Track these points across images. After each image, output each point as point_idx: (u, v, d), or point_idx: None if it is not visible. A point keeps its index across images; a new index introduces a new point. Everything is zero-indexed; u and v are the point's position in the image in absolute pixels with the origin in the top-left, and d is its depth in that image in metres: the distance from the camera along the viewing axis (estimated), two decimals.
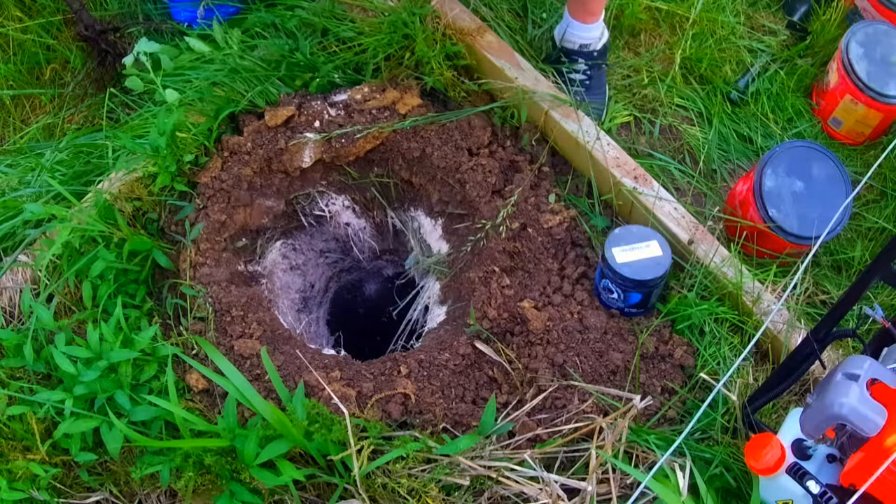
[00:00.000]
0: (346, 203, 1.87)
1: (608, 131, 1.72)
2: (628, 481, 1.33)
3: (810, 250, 1.32)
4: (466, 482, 1.32)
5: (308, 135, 1.66)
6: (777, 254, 1.61)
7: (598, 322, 1.50)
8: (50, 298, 1.52)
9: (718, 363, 1.45)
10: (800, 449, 1.18)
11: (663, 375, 1.46)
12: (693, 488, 1.25)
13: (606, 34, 1.79)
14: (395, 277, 2.06)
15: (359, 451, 1.30)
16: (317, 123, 1.67)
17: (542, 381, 1.43)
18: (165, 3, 2.10)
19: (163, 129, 1.57)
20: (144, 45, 1.70)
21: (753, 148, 1.84)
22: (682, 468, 1.25)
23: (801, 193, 1.57)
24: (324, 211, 1.84)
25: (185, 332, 1.50)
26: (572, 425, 1.36)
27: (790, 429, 1.22)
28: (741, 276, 1.48)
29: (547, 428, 1.38)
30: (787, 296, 1.50)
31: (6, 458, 1.36)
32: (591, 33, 1.73)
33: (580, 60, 1.77)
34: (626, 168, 1.62)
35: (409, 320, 1.88)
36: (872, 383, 1.06)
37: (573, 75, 1.77)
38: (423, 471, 1.33)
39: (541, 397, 1.41)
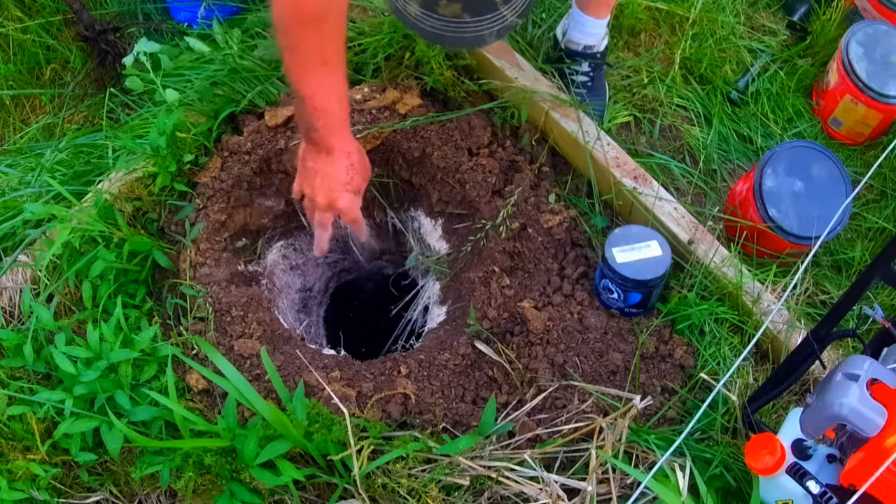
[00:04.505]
0: None
1: (608, 131, 1.72)
2: (628, 481, 1.33)
3: (810, 250, 1.32)
4: (466, 482, 1.32)
5: None
6: (777, 254, 1.61)
7: (598, 322, 1.50)
8: (50, 298, 1.52)
9: (718, 363, 1.45)
10: (800, 449, 1.18)
11: (663, 375, 1.46)
12: (693, 488, 1.25)
13: (608, 35, 1.79)
14: (395, 277, 2.06)
15: (359, 451, 1.30)
16: None
17: (542, 381, 1.43)
18: (165, 3, 2.10)
19: (163, 129, 1.57)
20: (144, 45, 1.70)
21: (753, 148, 1.84)
22: (682, 468, 1.25)
23: (801, 193, 1.57)
24: None
25: (185, 333, 1.50)
26: (572, 425, 1.36)
27: (790, 429, 1.22)
28: (741, 276, 1.48)
29: (547, 428, 1.38)
30: (787, 296, 1.50)
31: (6, 458, 1.36)
32: (598, 30, 1.73)
33: (583, 61, 1.76)
34: (626, 168, 1.62)
35: (409, 320, 1.88)
36: (872, 383, 1.06)
37: (575, 76, 1.77)
38: (423, 471, 1.33)
39: (541, 397, 1.41)
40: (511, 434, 1.39)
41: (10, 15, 2.11)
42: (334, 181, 1.40)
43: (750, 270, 1.52)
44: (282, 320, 1.64)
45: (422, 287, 1.87)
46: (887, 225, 1.72)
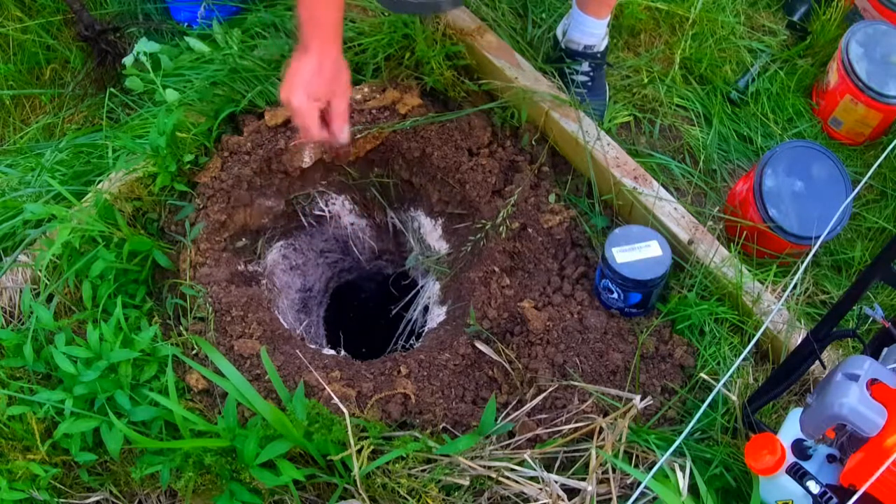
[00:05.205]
0: (347, 203, 1.87)
1: (608, 131, 1.72)
2: (628, 481, 1.33)
3: (810, 250, 1.32)
4: (466, 482, 1.32)
5: None
6: (777, 254, 1.61)
7: (598, 322, 1.50)
8: (50, 298, 1.52)
9: (718, 363, 1.45)
10: (800, 449, 1.18)
11: (663, 375, 1.46)
12: (693, 488, 1.25)
13: (608, 35, 1.79)
14: (395, 277, 2.06)
15: (359, 451, 1.30)
16: None
17: (542, 381, 1.43)
18: (165, 3, 2.10)
19: (163, 129, 1.57)
20: (144, 45, 1.70)
21: (753, 148, 1.84)
22: (682, 468, 1.25)
23: (801, 193, 1.57)
24: (324, 211, 1.85)
25: (185, 332, 1.50)
26: (572, 425, 1.36)
27: (790, 429, 1.22)
28: (741, 276, 1.48)
29: (547, 428, 1.38)
30: (787, 296, 1.50)
31: (6, 458, 1.36)
32: (598, 30, 1.73)
33: (583, 61, 1.76)
34: (626, 168, 1.62)
35: (409, 320, 1.88)
36: (872, 383, 1.06)
37: (575, 76, 1.77)
38: (423, 471, 1.33)
39: (541, 397, 1.41)
40: (511, 434, 1.39)
41: (10, 15, 2.11)
42: (296, 77, 1.39)
43: (750, 270, 1.52)
44: (282, 320, 1.64)
45: (422, 287, 1.87)
46: (887, 225, 1.72)
